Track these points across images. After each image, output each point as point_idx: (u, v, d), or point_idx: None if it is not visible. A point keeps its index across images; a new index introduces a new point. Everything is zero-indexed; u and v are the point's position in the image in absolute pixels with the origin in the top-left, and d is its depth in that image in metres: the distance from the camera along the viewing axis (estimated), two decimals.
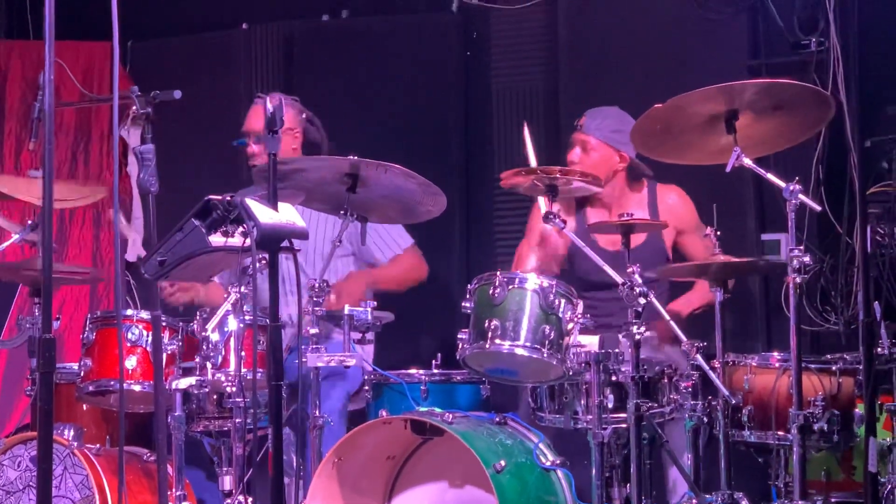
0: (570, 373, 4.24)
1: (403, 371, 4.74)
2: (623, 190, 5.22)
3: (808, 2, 5.71)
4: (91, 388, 4.58)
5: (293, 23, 6.79)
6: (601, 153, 5.15)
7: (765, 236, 5.72)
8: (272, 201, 3.42)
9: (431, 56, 6.49)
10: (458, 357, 4.32)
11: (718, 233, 4.49)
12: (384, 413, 4.44)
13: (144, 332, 4.54)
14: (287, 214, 3.40)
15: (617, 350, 4.25)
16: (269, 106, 3.60)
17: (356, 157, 4.47)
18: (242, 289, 4.29)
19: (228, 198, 3.32)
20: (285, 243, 3.38)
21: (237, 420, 4.26)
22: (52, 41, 2.90)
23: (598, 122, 5.20)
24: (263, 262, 3.46)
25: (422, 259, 5.49)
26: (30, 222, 4.94)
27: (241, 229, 3.31)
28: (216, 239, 3.35)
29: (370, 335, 4.66)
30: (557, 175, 4.44)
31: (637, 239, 5.04)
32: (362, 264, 5.39)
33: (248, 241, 3.28)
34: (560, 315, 4.23)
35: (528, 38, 6.42)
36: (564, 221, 4.50)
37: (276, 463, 3.42)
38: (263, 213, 3.31)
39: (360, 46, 6.58)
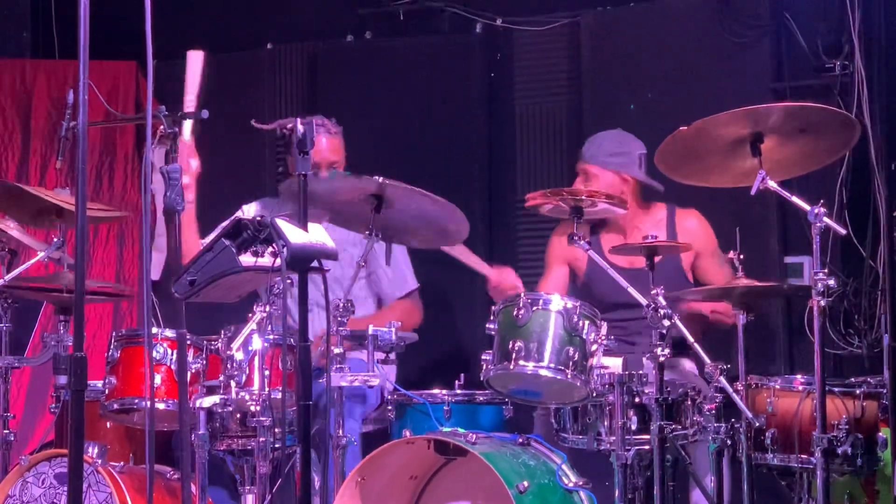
0: (594, 394, 4.24)
1: (426, 391, 4.75)
2: (636, 212, 5.18)
3: (831, 25, 5.72)
4: (116, 406, 4.55)
5: (317, 43, 6.83)
6: (603, 179, 5.15)
7: (788, 259, 5.71)
8: (302, 221, 3.44)
9: (455, 77, 6.51)
10: (481, 378, 4.32)
11: (742, 256, 4.48)
12: (407, 433, 4.44)
13: (169, 351, 4.52)
14: (317, 235, 3.41)
15: (641, 372, 4.26)
16: (300, 127, 3.62)
17: (382, 179, 4.48)
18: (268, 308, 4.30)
19: (258, 217, 3.33)
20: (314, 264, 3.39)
21: (261, 439, 4.26)
22: (87, 61, 2.93)
23: (595, 149, 5.21)
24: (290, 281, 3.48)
25: (418, 306, 5.48)
26: (55, 240, 4.90)
27: (271, 249, 3.32)
28: (246, 259, 3.37)
29: (392, 355, 4.67)
30: (583, 197, 4.45)
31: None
32: (370, 291, 5.40)
33: (277, 260, 3.30)
34: (584, 336, 4.23)
35: (552, 60, 6.43)
36: (589, 243, 4.51)
37: (304, 482, 3.42)
38: (294, 234, 3.32)
39: (384, 67, 6.61)
